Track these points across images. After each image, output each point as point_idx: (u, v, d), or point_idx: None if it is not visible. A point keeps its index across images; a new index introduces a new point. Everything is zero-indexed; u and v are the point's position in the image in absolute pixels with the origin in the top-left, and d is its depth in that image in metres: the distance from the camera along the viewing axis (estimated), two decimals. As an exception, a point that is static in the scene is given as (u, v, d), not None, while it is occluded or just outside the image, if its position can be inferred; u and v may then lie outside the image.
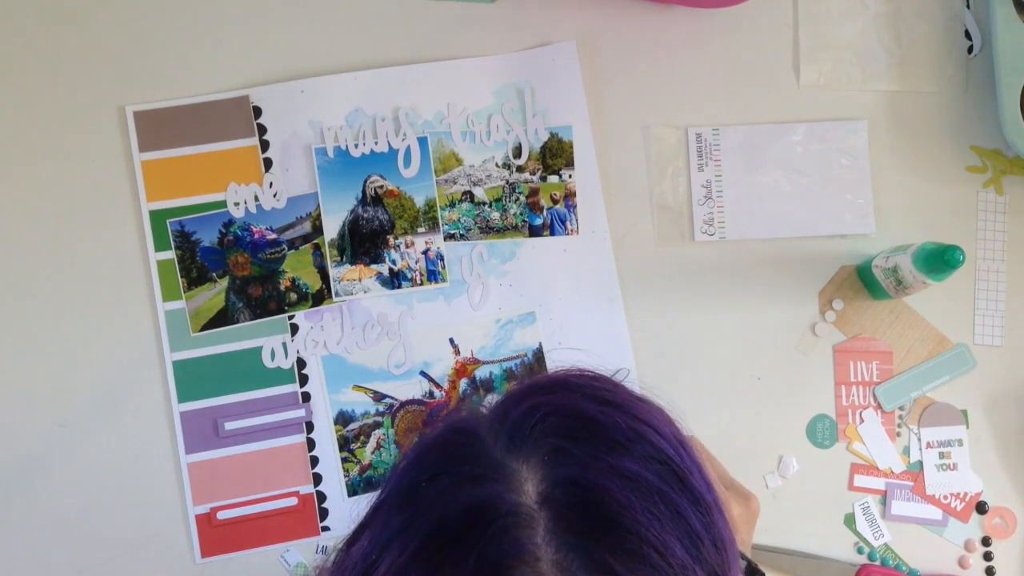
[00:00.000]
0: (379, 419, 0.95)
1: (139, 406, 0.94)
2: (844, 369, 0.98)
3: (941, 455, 0.98)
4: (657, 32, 1.01)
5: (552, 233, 0.98)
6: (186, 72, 0.97)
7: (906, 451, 0.98)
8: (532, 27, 1.00)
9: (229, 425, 0.94)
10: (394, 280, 0.96)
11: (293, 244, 0.96)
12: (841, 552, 0.96)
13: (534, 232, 0.98)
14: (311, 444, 0.95)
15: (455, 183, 0.98)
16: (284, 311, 0.96)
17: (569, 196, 0.98)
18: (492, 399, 0.57)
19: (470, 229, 0.97)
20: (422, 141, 0.97)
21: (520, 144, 0.98)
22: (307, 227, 0.97)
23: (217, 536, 0.93)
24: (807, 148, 1.00)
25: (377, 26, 0.99)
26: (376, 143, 0.97)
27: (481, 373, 0.97)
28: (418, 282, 0.97)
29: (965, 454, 0.98)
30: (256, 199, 0.96)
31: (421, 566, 0.48)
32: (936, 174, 1.01)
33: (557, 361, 0.66)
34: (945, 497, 0.97)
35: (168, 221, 0.95)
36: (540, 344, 0.97)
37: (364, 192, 0.97)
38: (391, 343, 0.96)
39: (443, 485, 0.50)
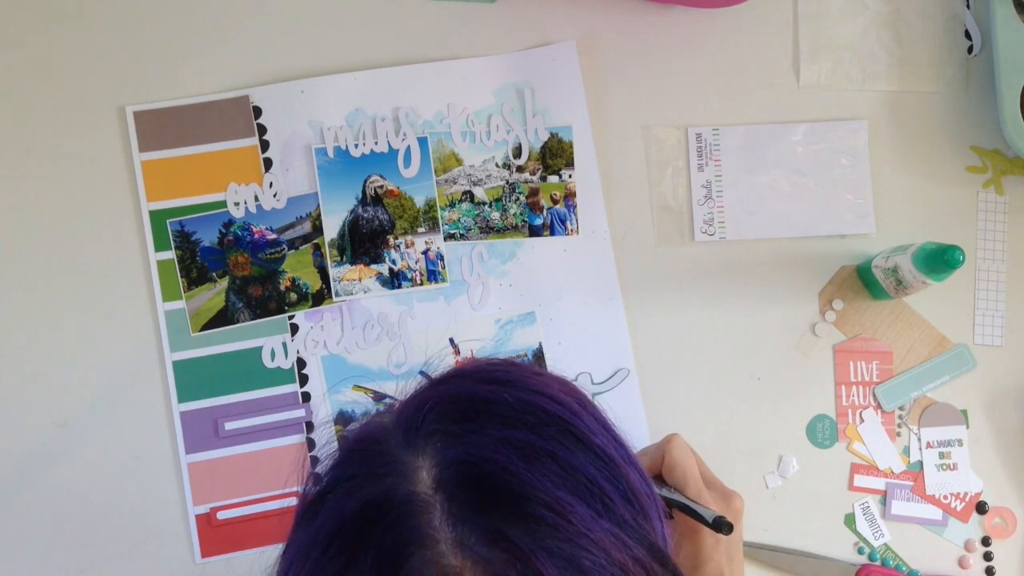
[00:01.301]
0: (379, 419, 0.95)
1: (139, 406, 0.94)
2: (844, 369, 0.98)
3: (941, 455, 0.98)
4: (657, 32, 1.01)
5: (552, 233, 0.98)
6: (186, 72, 0.97)
7: (906, 451, 0.98)
8: (532, 27, 1.00)
9: (229, 425, 0.94)
10: (394, 280, 0.96)
11: (293, 244, 0.96)
12: (841, 552, 0.96)
13: (534, 232, 0.98)
14: (311, 444, 0.95)
15: (455, 183, 0.98)
16: (284, 311, 0.96)
17: (569, 196, 0.98)
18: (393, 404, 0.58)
19: (470, 229, 0.97)
20: (422, 141, 0.97)
21: (520, 144, 0.98)
22: (307, 227, 0.97)
23: (217, 536, 0.93)
24: (807, 148, 1.00)
25: (377, 26, 0.99)
26: (376, 143, 0.97)
27: (481, 373, 0.96)
28: (418, 282, 0.97)
29: (965, 454, 0.98)
30: (256, 199, 0.96)
31: (329, 569, 0.48)
32: (936, 174, 1.01)
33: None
34: (945, 497, 0.97)
35: (168, 221, 0.95)
36: (540, 344, 0.97)
37: (364, 192, 0.97)
38: (391, 343, 0.96)
39: (342, 491, 0.51)
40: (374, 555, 0.47)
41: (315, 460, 0.94)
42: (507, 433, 0.50)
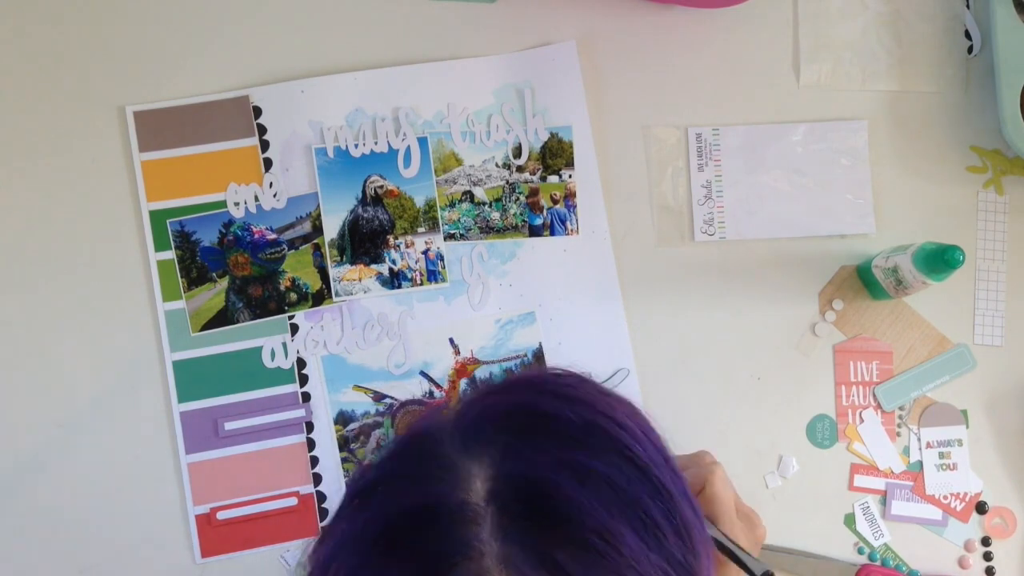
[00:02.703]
0: (379, 419, 0.95)
1: (139, 406, 0.94)
2: (844, 369, 0.98)
3: (941, 455, 0.98)
4: (657, 32, 1.01)
5: (552, 233, 0.98)
6: (186, 72, 0.97)
7: (906, 451, 0.98)
8: (532, 27, 1.00)
9: (229, 425, 0.94)
10: (394, 280, 0.96)
11: (293, 244, 0.96)
12: (841, 552, 0.96)
13: (534, 232, 0.98)
14: (311, 444, 0.95)
15: (455, 183, 0.98)
16: (284, 311, 0.96)
17: (569, 196, 0.98)
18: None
19: (470, 229, 0.97)
20: (422, 141, 0.97)
21: (520, 144, 0.98)
22: (307, 227, 0.97)
23: (217, 536, 0.93)
24: (807, 148, 1.00)
25: (377, 26, 0.99)
26: (376, 143, 0.97)
27: (481, 373, 0.97)
28: (418, 282, 0.97)
29: (965, 454, 0.98)
30: (256, 199, 0.96)
31: (371, 567, 0.48)
32: (936, 174, 1.01)
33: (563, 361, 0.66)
34: (945, 497, 0.97)
35: (168, 221, 0.95)
36: (540, 344, 0.97)
37: (364, 192, 0.97)
38: (391, 343, 0.96)
39: (395, 488, 0.51)
40: (418, 562, 0.47)
41: (314, 459, 0.95)
42: (567, 454, 0.50)
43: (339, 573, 0.49)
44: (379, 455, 0.55)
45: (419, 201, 0.97)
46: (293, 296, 0.96)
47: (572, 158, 0.99)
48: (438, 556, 0.47)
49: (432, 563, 0.47)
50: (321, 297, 0.96)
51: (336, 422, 0.95)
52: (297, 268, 0.96)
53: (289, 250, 0.96)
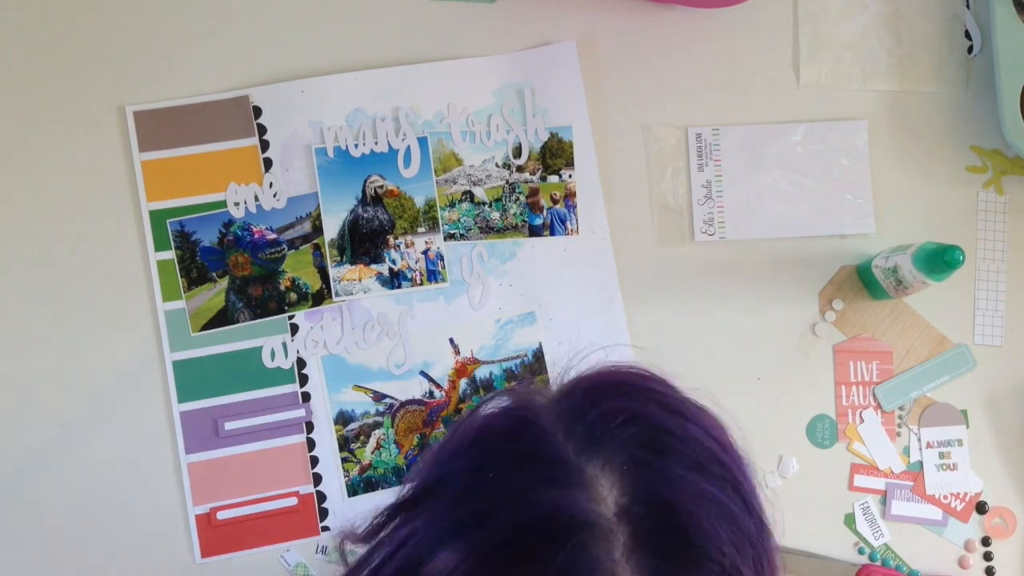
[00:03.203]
0: (379, 419, 0.95)
1: (139, 406, 0.94)
2: (844, 369, 0.98)
3: (941, 455, 0.98)
4: (657, 32, 1.01)
5: (552, 233, 0.98)
6: (186, 72, 0.97)
7: (906, 451, 0.98)
8: (532, 27, 1.00)
9: (229, 425, 0.94)
10: (394, 280, 0.96)
11: (293, 244, 0.96)
12: (841, 552, 0.96)
13: (534, 232, 0.98)
14: (311, 444, 0.95)
15: (455, 183, 0.98)
16: (284, 311, 0.96)
17: (569, 196, 0.98)
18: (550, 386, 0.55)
19: (470, 229, 0.97)
20: (422, 141, 0.97)
21: (520, 144, 0.98)
22: (307, 227, 0.97)
23: (217, 536, 0.93)
24: (807, 148, 1.00)
25: (377, 26, 0.99)
26: (376, 143, 0.97)
27: (481, 373, 0.97)
28: (418, 282, 0.97)
29: (965, 454, 0.98)
30: (256, 199, 0.96)
31: (490, 573, 0.46)
32: (936, 174, 1.01)
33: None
34: (945, 497, 0.97)
35: (168, 221, 0.95)
36: (540, 344, 0.97)
37: (364, 192, 0.97)
38: (391, 343, 0.96)
39: (518, 484, 0.48)
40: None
41: (314, 459, 0.95)
42: (699, 484, 0.49)
43: (447, 570, 0.46)
44: (465, 435, 0.51)
45: (419, 201, 0.97)
46: (293, 296, 0.96)
47: (572, 158, 0.99)
48: (571, 573, 0.45)
49: None
50: (321, 297, 0.96)
51: (336, 422, 0.95)
52: (297, 268, 0.96)
53: (289, 250, 0.96)
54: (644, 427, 0.50)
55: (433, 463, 0.52)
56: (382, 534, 0.52)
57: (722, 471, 0.50)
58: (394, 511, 0.52)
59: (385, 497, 0.95)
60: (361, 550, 0.52)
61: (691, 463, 0.50)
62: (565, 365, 0.57)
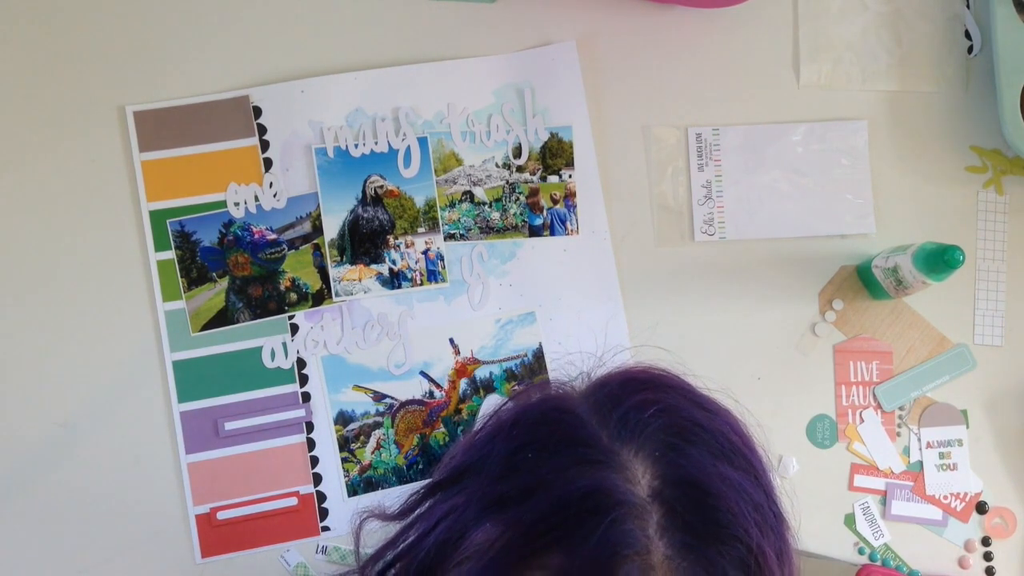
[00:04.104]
0: (379, 419, 0.95)
1: (139, 406, 0.94)
2: (844, 369, 0.98)
3: (941, 455, 0.98)
4: (657, 32, 1.01)
5: (552, 233, 0.98)
6: (186, 72, 0.97)
7: (906, 451, 0.98)
8: (532, 27, 1.00)
9: (229, 425, 0.94)
10: (394, 280, 0.96)
11: (293, 244, 0.96)
12: (841, 552, 0.96)
13: (534, 232, 0.98)
14: (311, 444, 0.95)
15: (455, 183, 0.98)
16: (284, 311, 0.96)
17: (569, 196, 0.98)
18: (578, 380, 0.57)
19: (470, 229, 0.97)
20: (422, 141, 0.97)
21: (520, 144, 0.98)
22: (307, 227, 0.97)
23: (217, 536, 0.93)
24: (807, 148, 1.00)
25: (377, 26, 0.99)
26: (376, 143, 0.97)
27: (481, 373, 0.97)
28: (418, 282, 0.97)
29: (965, 454, 0.98)
30: (256, 199, 0.96)
31: (532, 544, 0.48)
32: (936, 174, 1.01)
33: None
34: (945, 497, 0.97)
35: (168, 221, 0.95)
36: (540, 344, 0.97)
37: (364, 192, 0.97)
38: (391, 343, 0.96)
39: (558, 464, 0.50)
40: (592, 549, 0.47)
41: (314, 459, 0.95)
42: (726, 471, 0.52)
43: (489, 541, 0.49)
44: (503, 419, 0.54)
45: (419, 201, 0.97)
46: (293, 296, 0.96)
47: (572, 158, 0.99)
48: (610, 546, 0.47)
49: (604, 552, 0.47)
50: (321, 297, 0.96)
51: (336, 422, 0.95)
52: (297, 268, 0.96)
53: (289, 250, 0.96)
54: (675, 418, 0.54)
55: (469, 448, 0.55)
56: (418, 511, 0.53)
57: (745, 463, 0.54)
58: (432, 489, 0.54)
59: (385, 496, 0.95)
60: (392, 528, 0.55)
61: (718, 452, 0.53)
62: (595, 362, 0.61)
